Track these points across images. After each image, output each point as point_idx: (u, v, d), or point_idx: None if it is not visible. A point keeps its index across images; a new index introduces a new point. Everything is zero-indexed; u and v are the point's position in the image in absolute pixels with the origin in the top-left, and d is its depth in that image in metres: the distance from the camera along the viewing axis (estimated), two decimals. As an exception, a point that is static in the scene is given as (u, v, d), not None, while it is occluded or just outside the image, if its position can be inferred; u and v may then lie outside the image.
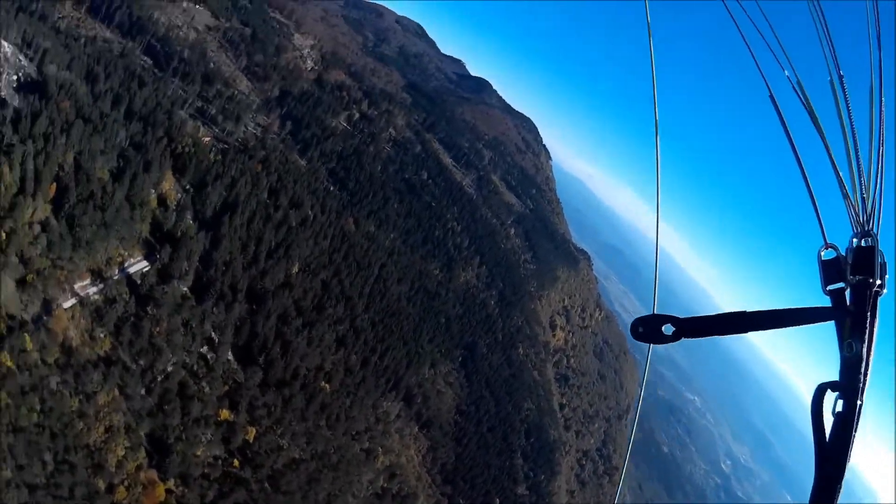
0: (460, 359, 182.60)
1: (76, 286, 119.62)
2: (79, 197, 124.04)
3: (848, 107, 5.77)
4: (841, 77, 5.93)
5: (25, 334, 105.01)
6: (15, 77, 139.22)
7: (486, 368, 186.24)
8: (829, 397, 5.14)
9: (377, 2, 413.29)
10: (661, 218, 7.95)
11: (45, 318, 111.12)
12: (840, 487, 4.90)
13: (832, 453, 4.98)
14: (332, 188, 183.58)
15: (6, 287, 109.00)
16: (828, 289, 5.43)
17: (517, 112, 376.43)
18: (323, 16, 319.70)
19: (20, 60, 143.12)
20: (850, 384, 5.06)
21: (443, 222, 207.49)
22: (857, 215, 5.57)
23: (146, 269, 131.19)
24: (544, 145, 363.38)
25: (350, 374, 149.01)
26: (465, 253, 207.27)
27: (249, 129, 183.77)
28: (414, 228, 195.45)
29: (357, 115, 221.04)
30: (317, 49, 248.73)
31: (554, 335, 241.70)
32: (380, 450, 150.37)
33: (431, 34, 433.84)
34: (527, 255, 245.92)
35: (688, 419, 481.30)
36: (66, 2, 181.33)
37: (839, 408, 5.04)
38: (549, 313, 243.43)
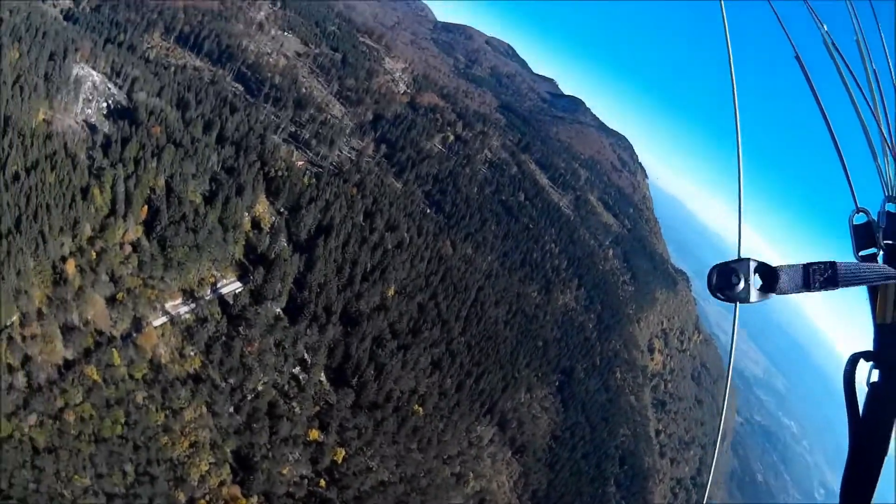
0: (557, 384, 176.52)
1: (167, 305, 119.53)
2: (170, 219, 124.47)
3: (889, 63, 5.50)
4: (882, 35, 5.62)
5: (113, 349, 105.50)
6: (105, 104, 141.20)
7: (582, 393, 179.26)
8: (863, 369, 4.77)
9: (466, 24, 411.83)
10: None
11: (134, 334, 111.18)
12: (881, 464, 4.50)
13: (867, 427, 4.61)
14: (428, 211, 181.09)
15: (95, 304, 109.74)
16: (860, 255, 5.15)
17: (612, 130, 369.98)
18: (413, 39, 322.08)
19: (109, 88, 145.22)
20: (889, 352, 4.72)
21: (541, 244, 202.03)
22: (889, 178, 5.28)
23: (239, 290, 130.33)
24: (640, 163, 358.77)
25: (444, 397, 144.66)
26: (563, 275, 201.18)
27: (344, 152, 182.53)
28: (511, 250, 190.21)
29: (452, 138, 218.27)
30: (408, 72, 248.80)
31: (652, 359, 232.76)
32: (471, 474, 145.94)
33: (522, 53, 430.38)
34: (625, 277, 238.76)
35: (783, 446, 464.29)
36: (155, 32, 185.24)
37: (874, 378, 4.71)
38: (647, 336, 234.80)
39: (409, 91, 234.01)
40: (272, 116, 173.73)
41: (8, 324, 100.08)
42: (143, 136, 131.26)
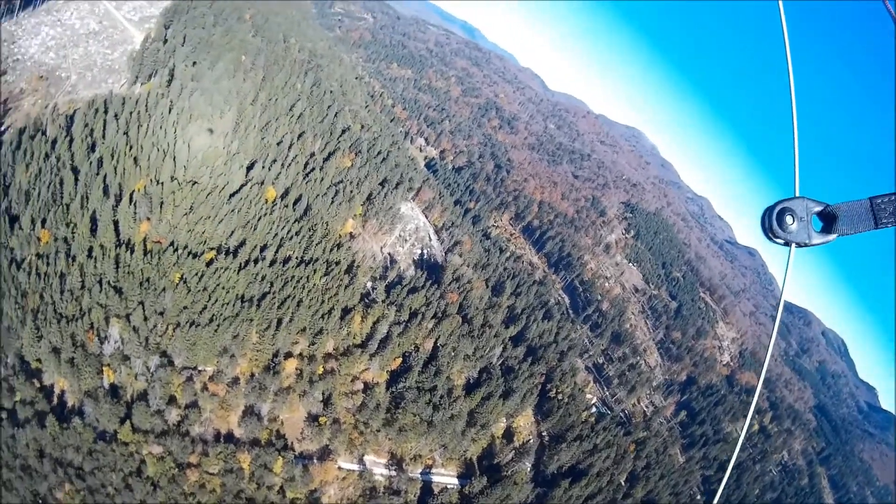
0: None
1: (367, 457, 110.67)
2: (418, 384, 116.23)
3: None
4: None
5: (280, 457, 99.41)
6: (418, 250, 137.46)
7: None
8: None
9: (808, 308, 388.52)
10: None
11: (314, 460, 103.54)
12: None
13: None
14: (698, 497, 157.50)
15: (294, 410, 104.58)
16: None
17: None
18: (752, 311, 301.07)
19: (430, 239, 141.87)
20: None
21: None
22: None
23: (451, 486, 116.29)
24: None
25: None
26: None
27: (640, 404, 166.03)
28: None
29: (756, 427, 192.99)
30: (737, 344, 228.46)
31: None
32: None
33: (854, 353, 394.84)
34: None
35: None
36: (505, 214, 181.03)
37: None
38: None
39: (731, 364, 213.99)
40: (584, 339, 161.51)
41: (200, 369, 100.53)
42: (434, 295, 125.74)
